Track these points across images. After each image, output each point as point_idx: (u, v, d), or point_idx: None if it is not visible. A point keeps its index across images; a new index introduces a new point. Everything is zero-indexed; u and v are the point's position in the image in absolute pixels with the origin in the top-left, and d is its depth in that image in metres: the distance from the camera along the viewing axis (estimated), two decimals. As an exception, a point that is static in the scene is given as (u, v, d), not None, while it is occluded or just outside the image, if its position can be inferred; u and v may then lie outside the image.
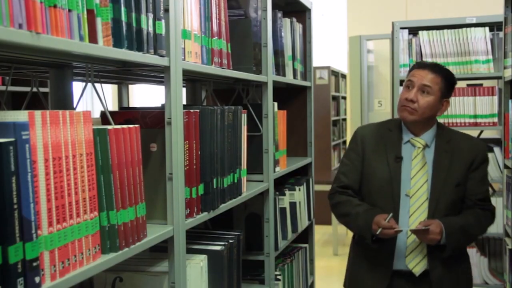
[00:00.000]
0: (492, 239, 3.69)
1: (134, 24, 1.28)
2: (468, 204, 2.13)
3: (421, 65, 2.18)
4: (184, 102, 1.94)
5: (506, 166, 2.67)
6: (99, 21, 1.15)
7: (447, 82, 2.13)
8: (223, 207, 1.79)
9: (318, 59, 5.05)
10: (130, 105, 2.50)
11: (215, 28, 1.77)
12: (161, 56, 1.41)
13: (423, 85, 2.09)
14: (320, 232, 6.20)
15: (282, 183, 2.80)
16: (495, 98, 3.57)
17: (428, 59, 3.53)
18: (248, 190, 2.05)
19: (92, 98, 5.18)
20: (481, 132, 3.80)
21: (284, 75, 2.60)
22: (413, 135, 2.16)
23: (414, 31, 3.72)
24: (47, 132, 0.98)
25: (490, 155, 3.43)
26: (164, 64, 1.43)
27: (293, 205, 2.72)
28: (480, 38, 3.53)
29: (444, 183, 2.10)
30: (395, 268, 2.10)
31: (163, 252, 1.52)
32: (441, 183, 2.10)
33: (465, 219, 2.11)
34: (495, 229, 3.33)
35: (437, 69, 2.14)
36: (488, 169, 2.27)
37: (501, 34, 3.18)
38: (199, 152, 1.60)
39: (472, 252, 3.49)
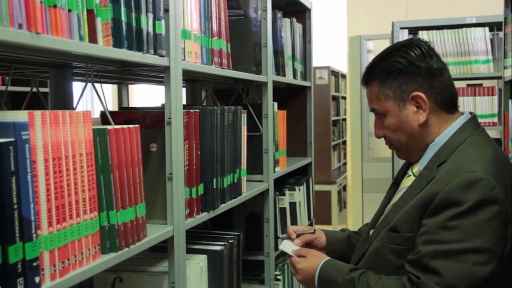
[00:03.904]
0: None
1: (134, 24, 1.28)
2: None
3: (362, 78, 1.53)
4: (184, 102, 1.94)
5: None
6: (99, 21, 1.15)
7: (387, 76, 1.43)
8: (223, 207, 1.79)
9: (318, 59, 5.05)
10: (130, 105, 2.50)
11: (215, 28, 1.77)
12: (161, 56, 1.41)
13: (372, 111, 1.52)
14: (320, 232, 6.19)
15: (282, 183, 2.80)
16: (495, 98, 3.57)
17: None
18: (248, 190, 2.05)
19: (92, 98, 5.17)
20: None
21: (284, 75, 2.60)
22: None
23: (414, 31, 3.72)
24: (47, 132, 0.98)
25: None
26: (164, 64, 1.43)
27: (293, 205, 2.72)
28: (480, 38, 3.53)
29: (387, 225, 1.43)
30: None
31: (163, 252, 1.52)
32: (386, 223, 1.44)
33: (354, 278, 1.38)
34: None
35: (369, 73, 1.48)
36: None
37: (501, 34, 3.18)
38: (199, 152, 1.60)
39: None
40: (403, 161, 1.66)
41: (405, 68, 1.42)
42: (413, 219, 1.35)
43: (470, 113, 1.49)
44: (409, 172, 1.52)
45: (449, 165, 1.36)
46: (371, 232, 1.54)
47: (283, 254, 2.70)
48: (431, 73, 1.43)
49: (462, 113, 1.49)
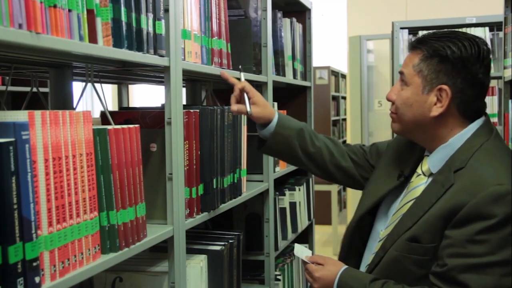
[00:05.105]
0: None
1: (134, 24, 1.28)
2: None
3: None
4: (184, 102, 1.94)
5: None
6: (99, 21, 1.15)
7: (433, 55, 1.37)
8: (223, 207, 1.79)
9: (318, 59, 5.04)
10: (130, 105, 2.50)
11: (215, 28, 1.77)
12: (161, 56, 1.41)
13: (400, 73, 1.46)
14: (320, 232, 6.21)
15: (282, 183, 2.80)
16: (495, 98, 3.57)
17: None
18: (248, 190, 2.05)
19: (92, 98, 5.17)
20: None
21: (284, 75, 2.60)
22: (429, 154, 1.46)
23: (414, 31, 3.72)
24: (47, 132, 0.98)
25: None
26: (164, 64, 1.43)
27: (293, 205, 2.72)
28: (480, 38, 3.53)
29: (403, 232, 1.38)
30: None
31: (163, 252, 1.52)
32: (401, 230, 1.39)
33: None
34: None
35: (420, 41, 1.43)
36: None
37: (501, 34, 3.18)
38: (199, 152, 1.60)
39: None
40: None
41: (454, 60, 1.35)
42: (435, 230, 1.32)
43: (485, 114, 1.46)
44: (419, 171, 1.47)
45: (469, 173, 1.32)
46: (380, 232, 1.50)
47: (283, 254, 2.71)
48: (472, 80, 1.37)
49: None
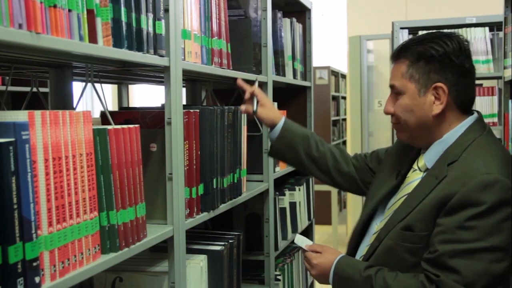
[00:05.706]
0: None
1: (134, 24, 1.28)
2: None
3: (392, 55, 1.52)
4: (184, 102, 1.94)
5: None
6: (99, 21, 1.15)
7: (419, 58, 1.42)
8: (223, 207, 1.79)
9: (318, 59, 5.05)
10: (130, 105, 2.50)
11: (215, 28, 1.77)
12: (161, 56, 1.41)
13: (391, 87, 1.49)
14: (320, 232, 6.21)
15: (282, 183, 2.80)
16: (495, 98, 3.57)
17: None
18: (248, 190, 2.05)
19: (92, 98, 5.17)
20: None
21: (284, 75, 2.60)
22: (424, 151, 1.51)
23: (414, 31, 3.72)
24: (47, 132, 0.98)
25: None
26: (164, 64, 1.43)
27: (293, 205, 2.72)
28: (480, 38, 3.53)
29: (398, 222, 1.42)
30: None
31: (163, 252, 1.52)
32: (395, 221, 1.43)
33: (370, 275, 1.40)
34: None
35: (402, 50, 1.47)
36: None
37: (501, 34, 3.19)
38: (199, 152, 1.60)
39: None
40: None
41: (440, 57, 1.41)
42: (428, 219, 1.36)
43: (477, 112, 1.51)
44: (415, 166, 1.52)
45: (461, 165, 1.36)
46: (376, 226, 1.54)
47: (283, 254, 2.71)
48: (461, 71, 1.42)
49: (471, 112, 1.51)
